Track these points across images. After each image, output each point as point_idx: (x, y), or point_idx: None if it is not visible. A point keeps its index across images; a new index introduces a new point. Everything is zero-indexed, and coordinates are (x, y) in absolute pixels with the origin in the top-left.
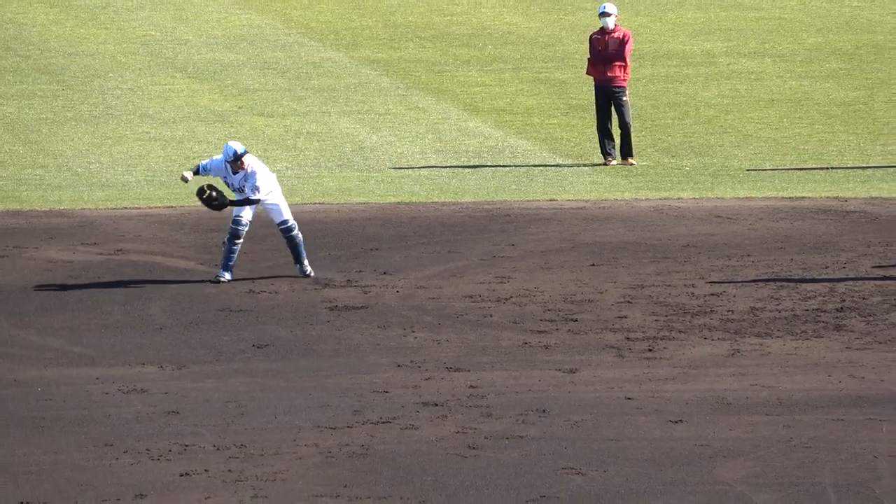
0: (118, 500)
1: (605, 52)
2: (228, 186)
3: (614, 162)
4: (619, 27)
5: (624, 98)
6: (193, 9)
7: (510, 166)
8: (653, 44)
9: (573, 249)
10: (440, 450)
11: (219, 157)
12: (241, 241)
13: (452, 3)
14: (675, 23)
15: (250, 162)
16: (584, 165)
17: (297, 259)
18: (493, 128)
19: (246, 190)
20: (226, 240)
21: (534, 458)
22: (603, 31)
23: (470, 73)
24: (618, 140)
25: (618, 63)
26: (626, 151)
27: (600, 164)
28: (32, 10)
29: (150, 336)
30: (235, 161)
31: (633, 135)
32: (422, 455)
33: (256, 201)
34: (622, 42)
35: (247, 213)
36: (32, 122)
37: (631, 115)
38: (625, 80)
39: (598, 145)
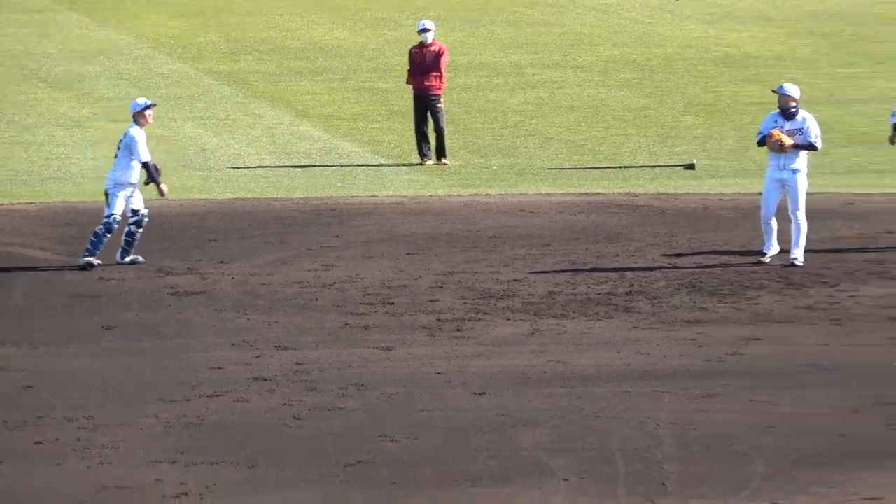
0: None
1: (423, 64)
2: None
3: (430, 162)
4: (436, 41)
5: (439, 105)
6: (56, 25)
7: (336, 166)
8: (466, 56)
9: (391, 240)
10: (269, 420)
11: None
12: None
13: (288, 20)
14: (486, 38)
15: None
16: (403, 165)
17: (129, 250)
18: (322, 131)
19: None
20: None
21: (353, 427)
22: (422, 45)
23: (302, 83)
24: (433, 142)
25: (434, 73)
26: (441, 152)
27: (417, 164)
28: None
29: (11, 319)
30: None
31: (446, 138)
32: (252, 425)
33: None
34: (438, 55)
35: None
36: None
37: (445, 119)
38: (440, 88)
39: (415, 147)
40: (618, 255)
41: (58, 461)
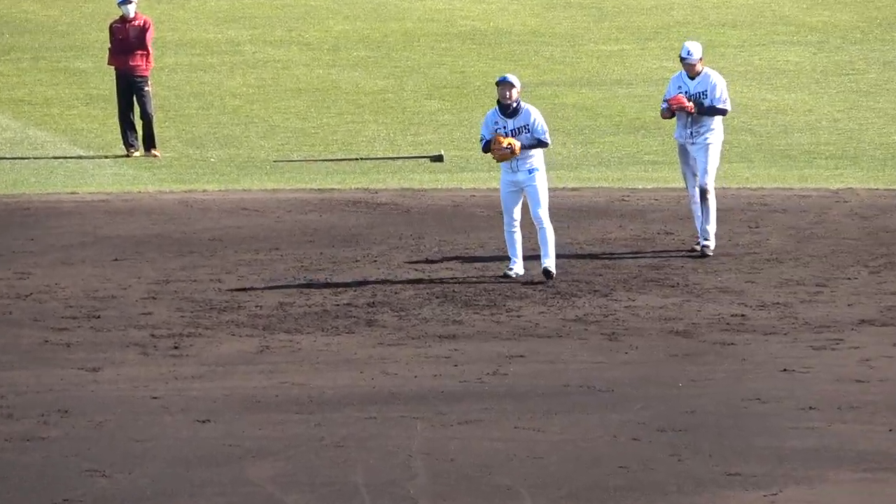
0: None
1: (127, 41)
2: None
3: (137, 153)
4: (139, 15)
5: (146, 88)
6: None
7: (29, 158)
8: (175, 32)
9: (95, 244)
10: None
11: None
12: None
13: None
14: (198, 10)
15: None
16: (107, 157)
17: None
18: (10, 119)
19: None
20: None
21: (56, 460)
22: (123, 19)
23: None
24: (140, 131)
25: (140, 52)
26: (150, 143)
27: (123, 156)
28: None
29: None
30: None
31: (155, 125)
32: None
33: None
34: (143, 30)
35: None
36: None
37: (153, 105)
38: (147, 69)
39: (120, 136)
40: (357, 260)
41: None
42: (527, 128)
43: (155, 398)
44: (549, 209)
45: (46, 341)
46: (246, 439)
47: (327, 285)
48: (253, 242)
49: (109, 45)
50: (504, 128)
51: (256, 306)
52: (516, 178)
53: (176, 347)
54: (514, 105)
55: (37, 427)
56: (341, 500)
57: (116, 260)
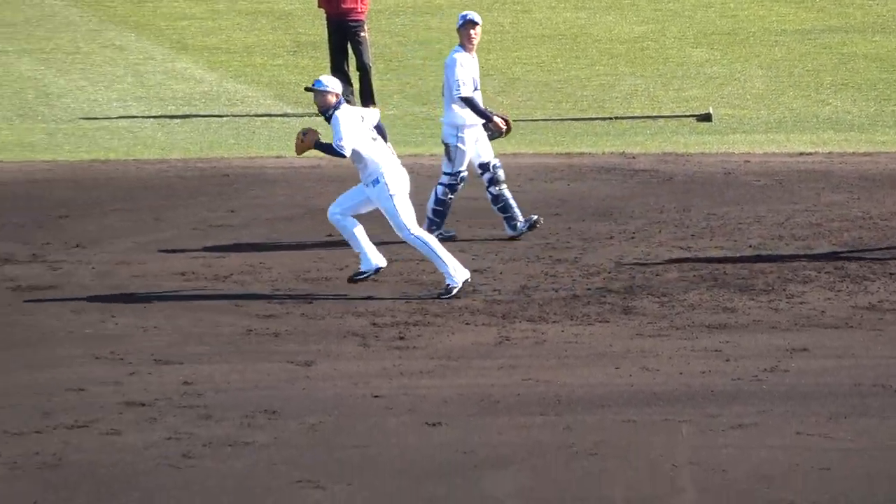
0: None
1: None
2: None
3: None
4: None
5: (362, 34)
6: None
7: (227, 116)
8: None
9: (305, 217)
10: (149, 459)
11: None
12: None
13: None
14: None
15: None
16: (317, 115)
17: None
18: (205, 70)
19: None
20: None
21: (262, 468)
22: None
23: (177, 5)
24: (357, 84)
25: None
26: (368, 98)
27: None
28: None
29: None
30: None
31: (374, 78)
32: (126, 466)
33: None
34: None
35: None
36: None
37: (370, 54)
38: (363, 11)
39: None
40: (612, 236)
41: None
42: None
43: (377, 397)
44: None
45: (250, 330)
46: (483, 446)
47: (577, 266)
48: (489, 215)
49: None
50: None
51: (494, 290)
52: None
53: (401, 338)
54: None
55: (240, 430)
56: None
57: (330, 235)
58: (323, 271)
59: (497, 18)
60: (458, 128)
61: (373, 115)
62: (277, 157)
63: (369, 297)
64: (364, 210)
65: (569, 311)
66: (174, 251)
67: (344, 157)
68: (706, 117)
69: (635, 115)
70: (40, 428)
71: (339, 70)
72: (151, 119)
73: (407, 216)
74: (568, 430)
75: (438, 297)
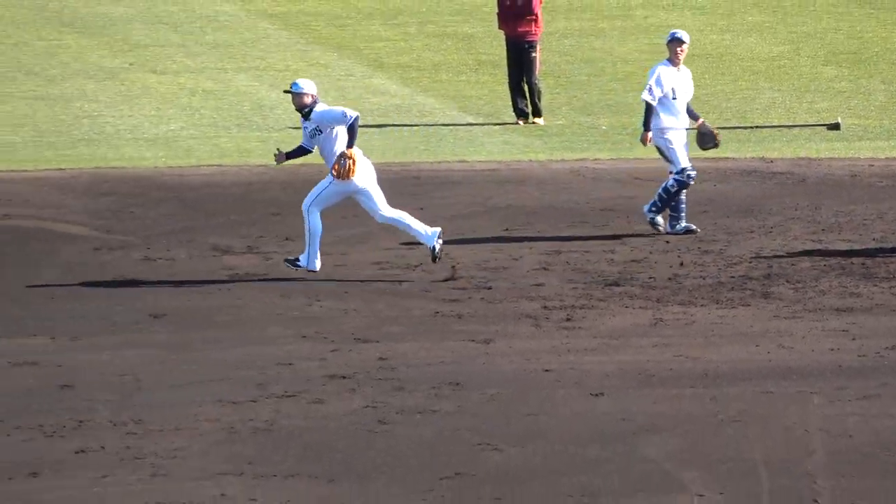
0: (10, 478)
1: (515, 6)
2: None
3: (528, 122)
4: None
5: (533, 54)
6: None
7: (417, 125)
8: None
9: (485, 214)
10: (349, 425)
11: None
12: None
13: None
14: None
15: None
16: (496, 125)
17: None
18: (398, 85)
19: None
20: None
21: (448, 433)
22: None
23: (373, 28)
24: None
25: (528, 17)
26: (533, 111)
27: (513, 124)
28: None
29: (41, 306)
30: None
31: (541, 93)
32: (329, 431)
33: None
34: None
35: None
36: None
37: (538, 71)
38: (536, 34)
39: (510, 103)
40: (752, 231)
41: (104, 473)
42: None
43: (547, 371)
44: None
45: (437, 312)
46: (639, 414)
47: (722, 256)
48: (643, 217)
49: (497, 11)
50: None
51: (649, 277)
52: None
53: (568, 319)
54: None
55: (428, 400)
56: (738, 478)
57: (507, 230)
58: (500, 261)
59: (652, 40)
60: (662, 130)
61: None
62: (461, 161)
63: (540, 284)
64: (336, 201)
65: (715, 296)
66: (370, 244)
67: (356, 117)
68: (835, 126)
69: (773, 124)
70: (255, 397)
71: (515, 84)
72: None
73: (380, 201)
74: (714, 401)
75: (434, 261)
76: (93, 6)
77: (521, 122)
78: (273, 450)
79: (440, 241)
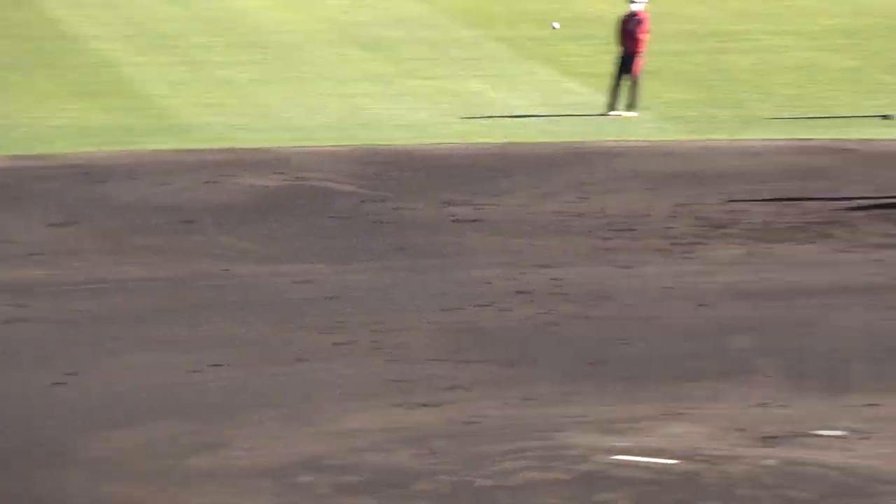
0: (284, 363)
1: (627, 30)
2: None
3: (616, 113)
4: (641, 13)
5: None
6: None
7: (594, 115)
8: (703, 24)
9: (635, 177)
10: (528, 326)
11: None
12: None
13: None
14: (721, 8)
15: None
16: (647, 115)
17: None
18: (584, 87)
19: None
20: None
21: (595, 331)
22: (631, 13)
23: (569, 46)
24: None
25: (637, 38)
26: (630, 104)
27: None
28: (245, 1)
29: (320, 240)
30: None
31: (639, 87)
32: (513, 330)
33: None
34: (640, 21)
35: None
36: (244, 82)
37: (640, 70)
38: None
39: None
40: (823, 191)
41: (353, 358)
42: None
43: (668, 288)
44: None
45: (595, 248)
46: (730, 318)
47: (798, 208)
48: (749, 178)
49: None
50: None
51: (748, 223)
52: None
53: (688, 252)
54: None
55: (585, 308)
56: (797, 363)
57: (649, 189)
58: (644, 210)
59: (764, 56)
60: None
61: None
62: (619, 140)
63: (670, 227)
64: None
65: (791, 235)
66: (553, 198)
67: None
68: (887, 117)
69: (844, 115)
70: (463, 306)
71: (616, 85)
72: (547, 117)
73: None
74: (789, 309)
75: None
76: (374, 31)
77: (608, 114)
78: (473, 343)
79: None
